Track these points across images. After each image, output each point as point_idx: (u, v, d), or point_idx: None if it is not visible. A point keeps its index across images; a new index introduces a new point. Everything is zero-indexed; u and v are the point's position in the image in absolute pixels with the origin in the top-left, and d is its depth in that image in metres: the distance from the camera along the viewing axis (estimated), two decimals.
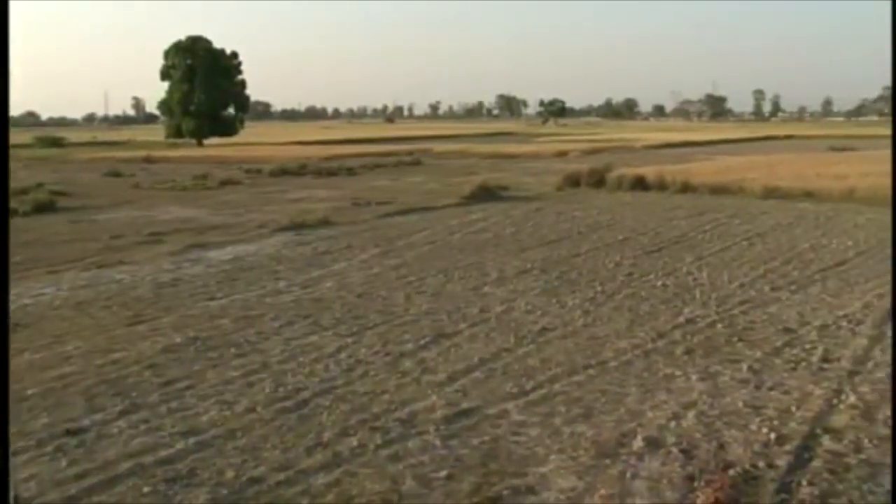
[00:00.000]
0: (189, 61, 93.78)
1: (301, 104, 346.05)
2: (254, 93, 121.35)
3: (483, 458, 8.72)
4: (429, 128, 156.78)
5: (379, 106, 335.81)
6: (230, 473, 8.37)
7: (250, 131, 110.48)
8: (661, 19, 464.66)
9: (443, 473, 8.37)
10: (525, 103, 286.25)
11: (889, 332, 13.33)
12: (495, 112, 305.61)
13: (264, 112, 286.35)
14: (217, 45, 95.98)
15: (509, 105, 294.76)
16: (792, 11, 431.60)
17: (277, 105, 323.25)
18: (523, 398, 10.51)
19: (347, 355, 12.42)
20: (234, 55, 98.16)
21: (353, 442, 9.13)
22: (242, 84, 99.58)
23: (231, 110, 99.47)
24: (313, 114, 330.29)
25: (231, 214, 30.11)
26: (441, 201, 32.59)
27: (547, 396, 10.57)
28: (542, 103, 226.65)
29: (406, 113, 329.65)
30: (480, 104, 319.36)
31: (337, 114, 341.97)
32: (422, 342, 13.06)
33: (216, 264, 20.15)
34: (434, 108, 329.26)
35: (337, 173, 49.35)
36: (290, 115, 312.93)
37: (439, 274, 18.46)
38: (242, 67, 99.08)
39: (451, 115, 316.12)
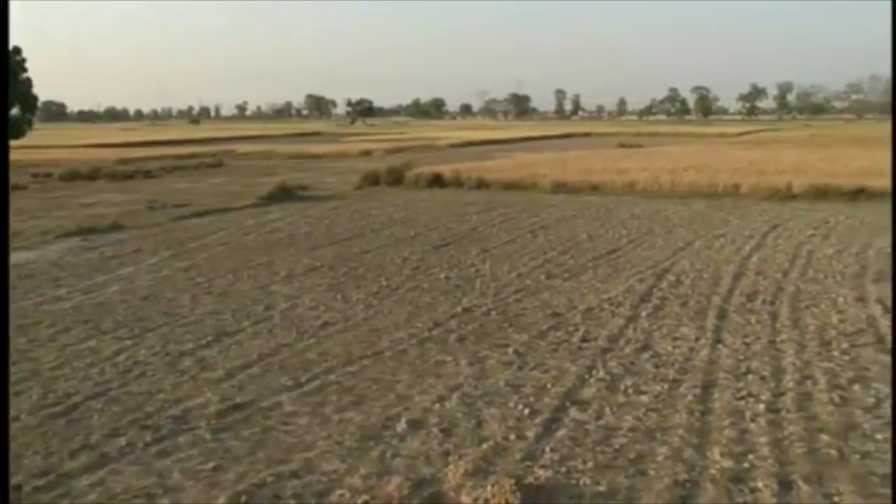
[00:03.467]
0: None
1: (100, 105, 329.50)
2: (45, 93, 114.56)
3: (252, 448, 8.98)
4: (235, 129, 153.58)
5: (184, 107, 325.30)
6: None
7: (41, 133, 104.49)
8: (467, 20, 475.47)
9: (210, 465, 8.56)
10: (334, 103, 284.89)
11: (643, 313, 14.60)
12: (305, 112, 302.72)
13: (58, 113, 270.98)
14: None
15: (318, 105, 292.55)
16: (587, 15, 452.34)
17: (73, 106, 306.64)
18: (298, 390, 10.82)
19: (125, 357, 12.30)
20: (17, 51, 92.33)
21: (122, 442, 9.15)
22: (28, 83, 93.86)
23: (16, 110, 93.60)
24: (113, 115, 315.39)
25: (13, 221, 28.58)
26: (239, 202, 32.31)
27: (321, 387, 10.93)
28: (349, 103, 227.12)
29: (213, 114, 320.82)
30: (289, 104, 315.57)
31: (139, 115, 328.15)
32: (203, 341, 13.11)
33: None
34: (241, 108, 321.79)
35: (133, 176, 47.72)
36: (87, 117, 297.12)
37: (229, 274, 18.44)
38: (28, 65, 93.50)
39: (260, 116, 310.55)
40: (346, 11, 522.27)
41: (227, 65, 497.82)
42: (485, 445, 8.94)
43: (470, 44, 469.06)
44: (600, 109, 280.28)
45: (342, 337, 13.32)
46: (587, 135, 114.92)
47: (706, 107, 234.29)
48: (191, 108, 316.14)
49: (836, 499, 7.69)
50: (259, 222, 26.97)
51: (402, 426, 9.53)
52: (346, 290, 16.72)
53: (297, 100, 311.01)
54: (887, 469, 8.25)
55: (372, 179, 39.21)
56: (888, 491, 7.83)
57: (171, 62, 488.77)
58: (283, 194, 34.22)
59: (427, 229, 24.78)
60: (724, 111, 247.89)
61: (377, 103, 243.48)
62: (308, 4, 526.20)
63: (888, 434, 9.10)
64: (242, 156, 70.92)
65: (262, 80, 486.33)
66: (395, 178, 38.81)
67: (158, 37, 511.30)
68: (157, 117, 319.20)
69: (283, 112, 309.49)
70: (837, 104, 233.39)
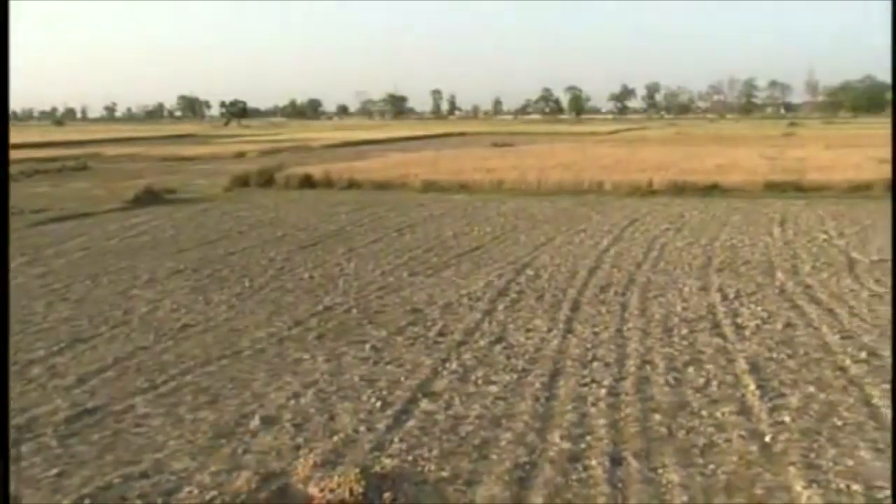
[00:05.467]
0: None
1: None
2: None
3: (100, 452, 8.93)
4: (103, 131, 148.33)
5: (47, 108, 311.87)
6: None
7: None
8: (342, 20, 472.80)
9: (54, 472, 8.47)
10: (208, 104, 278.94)
11: (500, 307, 15.09)
12: (177, 114, 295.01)
13: None
14: None
15: (192, 107, 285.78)
16: (462, 16, 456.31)
17: None
18: (152, 392, 10.78)
19: None
20: None
21: None
22: None
23: None
24: None
25: None
26: (103, 207, 31.44)
27: (176, 388, 10.92)
28: (223, 104, 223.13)
29: (79, 115, 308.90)
30: (161, 106, 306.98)
31: None
32: (56, 348, 12.84)
33: None
34: (110, 110, 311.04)
35: None
36: None
37: (87, 280, 18.03)
38: None
39: (130, 118, 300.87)
40: (220, 10, 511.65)
41: (94, 65, 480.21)
42: (335, 438, 9.16)
43: (347, 44, 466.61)
44: (476, 109, 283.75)
45: (201, 338, 13.29)
46: (462, 134, 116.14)
47: (579, 106, 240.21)
48: (54, 110, 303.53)
49: (659, 471, 8.24)
50: (123, 226, 26.37)
51: (255, 423, 9.66)
52: (209, 292, 16.63)
53: (170, 101, 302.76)
54: (706, 440, 8.92)
55: (242, 181, 38.84)
56: (703, 461, 8.46)
57: (32, 60, 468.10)
58: (150, 197, 33.47)
59: (295, 230, 24.79)
60: (597, 110, 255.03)
61: (253, 104, 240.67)
62: (178, 4, 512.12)
63: (712, 410, 9.80)
64: (109, 159, 68.71)
65: (133, 81, 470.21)
66: (266, 179, 38.57)
67: (19, 32, 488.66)
68: (16, 118, 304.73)
69: (154, 114, 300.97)
70: (702, 104, 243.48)
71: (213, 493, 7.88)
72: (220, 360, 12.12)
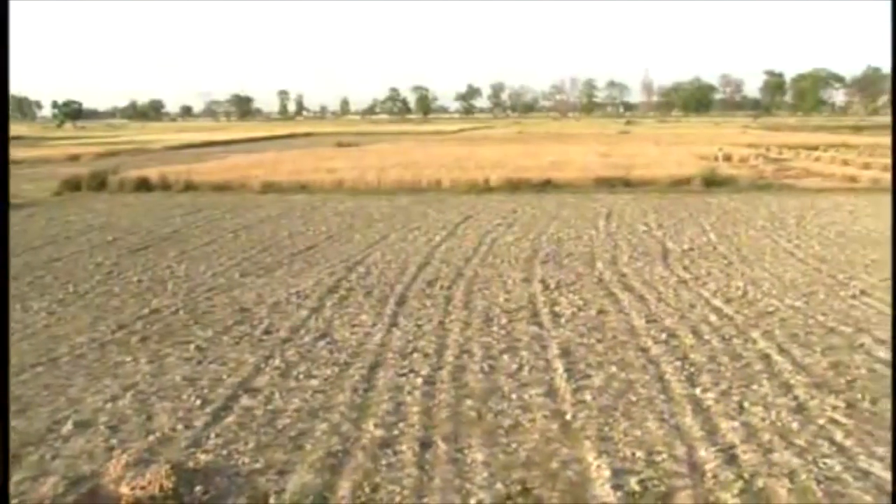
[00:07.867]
0: None
1: None
2: None
3: None
4: None
5: None
6: None
7: None
8: (184, 18, 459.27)
9: None
10: (39, 105, 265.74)
11: (328, 304, 15.34)
12: None
13: None
14: None
15: (20, 107, 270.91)
16: (308, 14, 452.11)
17: None
18: None
19: None
20: None
21: None
22: None
23: None
24: None
25: None
26: None
27: None
28: (55, 105, 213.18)
29: None
30: None
31: None
32: None
33: None
34: None
35: None
36: None
37: None
38: None
39: None
40: (50, 5, 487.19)
41: None
42: (151, 437, 9.20)
43: (190, 44, 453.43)
44: (324, 110, 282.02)
45: (17, 347, 12.90)
46: (308, 135, 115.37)
47: (426, 106, 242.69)
48: None
49: (465, 452, 8.71)
50: None
51: (68, 428, 9.55)
52: (28, 299, 16.10)
53: None
54: (512, 421, 9.48)
55: (73, 185, 37.39)
56: (507, 440, 9.00)
57: None
58: None
59: (126, 234, 24.21)
60: (444, 110, 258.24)
61: (90, 105, 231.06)
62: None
63: (521, 393, 10.39)
64: None
65: None
66: (99, 182, 37.34)
67: None
68: None
69: None
70: (546, 103, 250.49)
71: (15, 501, 7.79)
72: (35, 367, 11.85)
